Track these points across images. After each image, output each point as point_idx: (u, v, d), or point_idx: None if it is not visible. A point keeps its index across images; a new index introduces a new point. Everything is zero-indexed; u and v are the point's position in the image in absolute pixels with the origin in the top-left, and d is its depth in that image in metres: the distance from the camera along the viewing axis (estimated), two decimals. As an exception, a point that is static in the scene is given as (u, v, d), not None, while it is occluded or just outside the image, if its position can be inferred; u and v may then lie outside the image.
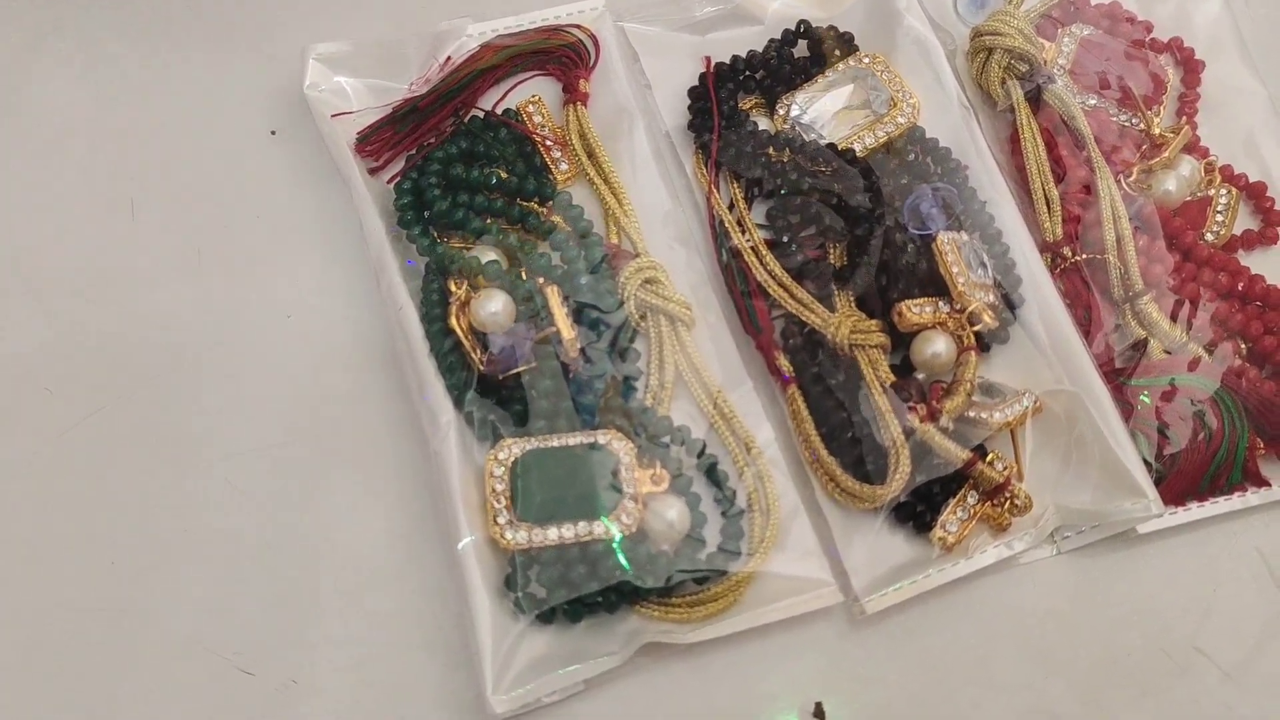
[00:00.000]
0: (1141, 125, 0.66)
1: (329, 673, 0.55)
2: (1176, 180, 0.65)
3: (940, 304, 0.61)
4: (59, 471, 0.58)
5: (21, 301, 0.61)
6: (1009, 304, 0.61)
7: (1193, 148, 0.67)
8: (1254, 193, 0.67)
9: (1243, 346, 0.62)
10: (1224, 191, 0.66)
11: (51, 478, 0.57)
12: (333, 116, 0.64)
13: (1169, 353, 0.61)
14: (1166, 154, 0.65)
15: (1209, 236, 0.65)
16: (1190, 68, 0.69)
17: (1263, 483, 0.60)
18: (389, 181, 0.63)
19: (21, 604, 0.55)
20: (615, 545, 0.55)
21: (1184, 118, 0.67)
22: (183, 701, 0.54)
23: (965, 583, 0.58)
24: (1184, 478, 0.59)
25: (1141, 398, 0.60)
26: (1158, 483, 0.59)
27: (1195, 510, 0.60)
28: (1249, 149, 0.68)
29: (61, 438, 0.58)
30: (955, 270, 0.60)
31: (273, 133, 0.66)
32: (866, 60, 0.67)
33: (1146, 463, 0.59)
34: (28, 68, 0.67)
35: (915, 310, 0.60)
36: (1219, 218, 0.65)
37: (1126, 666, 0.58)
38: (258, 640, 0.55)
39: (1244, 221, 0.67)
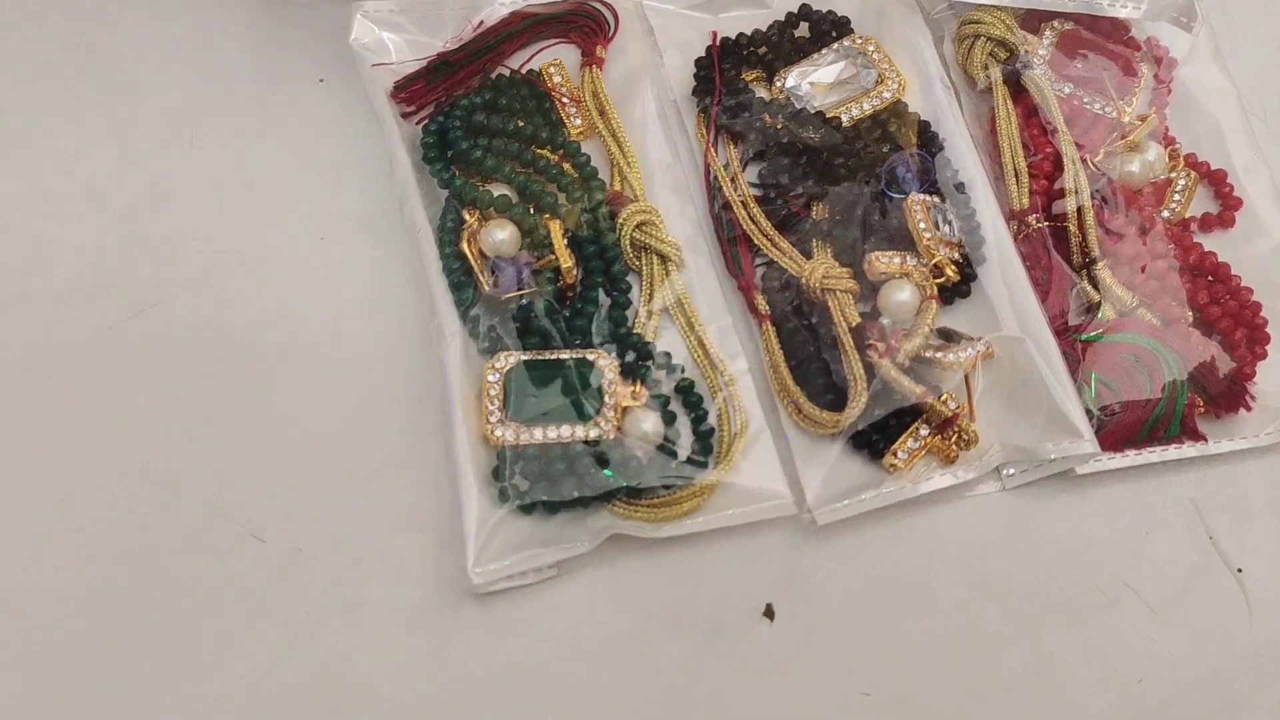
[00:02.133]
0: (1114, 114, 0.72)
1: (332, 544, 0.61)
2: (1140, 163, 0.70)
3: (908, 257, 0.66)
4: (106, 359, 0.65)
5: (88, 213, 0.69)
6: (970, 261, 0.67)
7: (1159, 136, 0.72)
8: (1215, 179, 0.71)
9: (1190, 314, 0.67)
10: (1184, 174, 0.71)
11: (98, 364, 0.64)
12: (373, 66, 0.71)
13: (1120, 314, 0.66)
14: (1132, 137, 0.70)
15: (1165, 213, 0.70)
16: (1163, 64, 0.74)
17: (1199, 437, 0.65)
18: (418, 123, 0.70)
19: (61, 472, 0.62)
20: (595, 448, 0.61)
21: (1154, 108, 0.72)
22: (200, 563, 0.61)
23: (913, 510, 0.63)
24: (1124, 427, 0.64)
25: (1089, 353, 0.65)
26: (1099, 430, 0.64)
27: (1133, 456, 0.64)
28: (1215, 142, 0.73)
29: (110, 331, 0.65)
30: (923, 227, 0.66)
31: (320, 81, 0.73)
32: (860, 41, 0.73)
33: (1089, 411, 0.64)
34: (113, 20, 0.75)
35: (884, 261, 0.66)
36: (1176, 197, 0.70)
37: (1059, 597, 0.62)
38: (270, 512, 0.62)
39: (1203, 205, 0.72)
